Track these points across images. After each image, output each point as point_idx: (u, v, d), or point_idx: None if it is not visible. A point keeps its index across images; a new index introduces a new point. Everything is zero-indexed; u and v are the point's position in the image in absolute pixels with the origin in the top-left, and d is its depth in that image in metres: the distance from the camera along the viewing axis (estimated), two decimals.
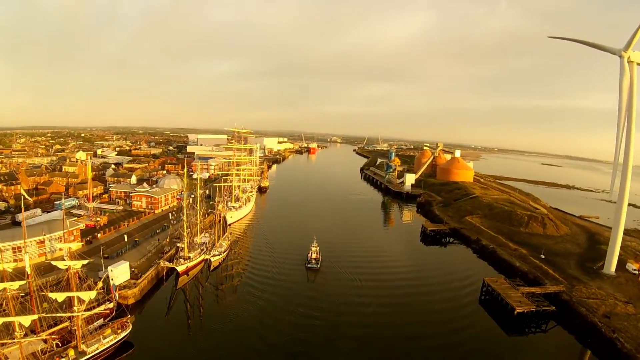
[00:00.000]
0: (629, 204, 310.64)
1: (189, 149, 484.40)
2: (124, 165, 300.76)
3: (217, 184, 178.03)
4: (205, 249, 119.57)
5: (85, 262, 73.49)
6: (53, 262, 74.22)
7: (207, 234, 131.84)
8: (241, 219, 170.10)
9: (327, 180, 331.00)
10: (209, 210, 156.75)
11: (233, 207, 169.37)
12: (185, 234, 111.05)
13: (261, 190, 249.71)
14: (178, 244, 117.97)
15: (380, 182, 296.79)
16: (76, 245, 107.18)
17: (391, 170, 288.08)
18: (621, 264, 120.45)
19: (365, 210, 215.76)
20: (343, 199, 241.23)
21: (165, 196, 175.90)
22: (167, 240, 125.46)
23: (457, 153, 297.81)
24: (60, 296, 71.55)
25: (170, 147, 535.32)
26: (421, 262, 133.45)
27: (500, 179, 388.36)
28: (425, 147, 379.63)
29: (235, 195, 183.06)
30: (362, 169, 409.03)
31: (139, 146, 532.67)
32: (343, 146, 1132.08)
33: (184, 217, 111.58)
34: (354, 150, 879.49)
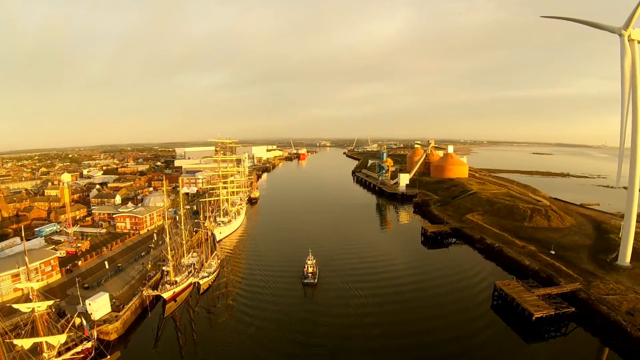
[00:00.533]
0: (625, 187, 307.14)
1: (177, 163, 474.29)
2: (109, 185, 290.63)
3: (202, 199, 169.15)
4: (193, 271, 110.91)
5: (51, 302, 65.16)
6: (14, 305, 65.65)
7: (194, 254, 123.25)
8: (231, 234, 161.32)
9: (319, 186, 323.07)
10: (196, 227, 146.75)
11: (222, 222, 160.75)
12: (169, 257, 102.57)
13: (251, 201, 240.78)
14: (163, 268, 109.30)
15: (373, 184, 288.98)
16: (38, 283, 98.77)
17: (384, 171, 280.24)
18: (634, 253, 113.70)
19: (360, 214, 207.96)
20: (337, 204, 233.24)
21: (150, 215, 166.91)
22: (151, 264, 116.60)
23: (450, 149, 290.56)
24: (26, 343, 63.24)
25: (159, 163, 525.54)
26: (425, 267, 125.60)
27: (494, 171, 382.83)
28: (416, 145, 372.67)
29: (223, 209, 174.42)
30: (353, 172, 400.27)
31: (126, 164, 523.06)
32: (333, 150, 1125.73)
33: (167, 239, 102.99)
34: (344, 153, 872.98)
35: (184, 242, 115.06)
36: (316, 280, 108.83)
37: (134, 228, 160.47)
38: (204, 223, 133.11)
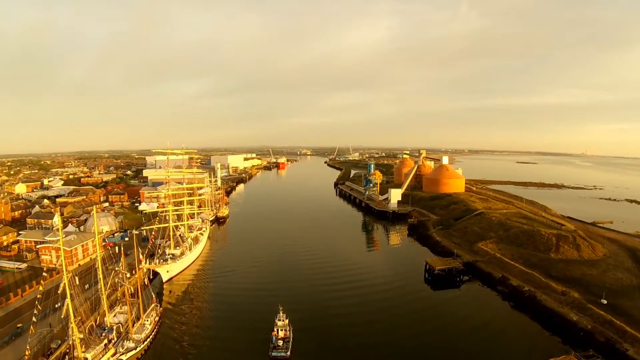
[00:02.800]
0: (631, 201, 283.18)
1: (145, 173, 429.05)
2: (58, 200, 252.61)
3: (145, 227, 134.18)
4: (115, 339, 77.75)
5: None
6: None
7: (124, 307, 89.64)
8: (184, 270, 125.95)
9: (298, 200, 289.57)
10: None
11: (171, 255, 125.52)
12: (72, 327, 69.43)
13: (219, 220, 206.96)
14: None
15: (359, 200, 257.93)
16: None
17: (371, 185, 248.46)
18: None
19: (345, 237, 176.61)
20: (318, 224, 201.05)
21: (83, 245, 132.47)
22: (58, 327, 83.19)
23: (445, 160, 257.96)
24: None
25: (129, 172, 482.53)
26: (435, 320, 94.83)
27: (485, 183, 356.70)
28: (404, 155, 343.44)
29: (178, 237, 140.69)
30: (336, 184, 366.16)
31: (92, 173, 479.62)
32: (313, 158, 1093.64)
33: (68, 300, 69.97)
34: (325, 162, 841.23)
35: (103, 294, 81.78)
36: (289, 353, 76.92)
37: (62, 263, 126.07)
38: (123, 272, 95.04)
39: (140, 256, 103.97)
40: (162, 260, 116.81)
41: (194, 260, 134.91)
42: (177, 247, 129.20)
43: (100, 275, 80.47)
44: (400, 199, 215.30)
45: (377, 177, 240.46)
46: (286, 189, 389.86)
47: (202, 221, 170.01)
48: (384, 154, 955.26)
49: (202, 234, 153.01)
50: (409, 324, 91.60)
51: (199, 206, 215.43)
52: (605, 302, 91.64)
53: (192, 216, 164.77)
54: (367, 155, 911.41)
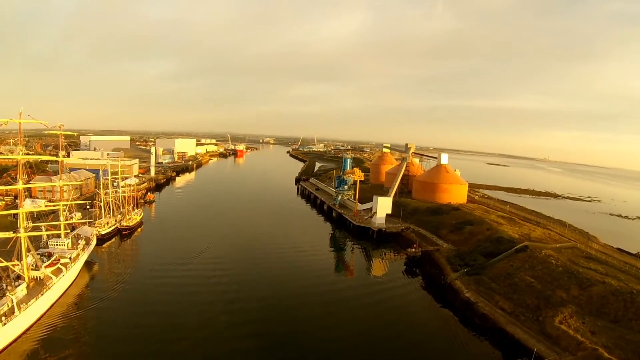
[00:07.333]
0: None
1: (75, 155, 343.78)
2: None
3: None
4: None
5: None
6: None
7: None
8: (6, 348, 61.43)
9: (249, 199, 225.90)
10: None
11: None
12: None
13: (122, 233, 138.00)
14: None
15: (327, 207, 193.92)
16: None
17: (345, 187, 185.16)
18: None
19: (311, 280, 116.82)
20: (268, 242, 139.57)
21: None
22: None
23: (444, 158, 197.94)
24: None
25: (63, 153, 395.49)
26: None
27: (474, 187, 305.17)
28: (385, 149, 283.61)
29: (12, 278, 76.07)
30: (298, 180, 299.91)
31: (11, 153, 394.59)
32: (276, 147, 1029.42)
33: None
34: (288, 152, 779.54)
35: None
36: None
37: None
38: None
39: None
40: None
41: (32, 326, 69.64)
42: None
43: None
44: (390, 211, 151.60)
45: (357, 176, 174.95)
46: (237, 182, 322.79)
47: (77, 241, 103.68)
48: (349, 147, 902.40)
49: (63, 267, 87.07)
50: None
51: (88, 208, 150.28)
52: None
53: (59, 234, 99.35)
54: (332, 147, 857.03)
